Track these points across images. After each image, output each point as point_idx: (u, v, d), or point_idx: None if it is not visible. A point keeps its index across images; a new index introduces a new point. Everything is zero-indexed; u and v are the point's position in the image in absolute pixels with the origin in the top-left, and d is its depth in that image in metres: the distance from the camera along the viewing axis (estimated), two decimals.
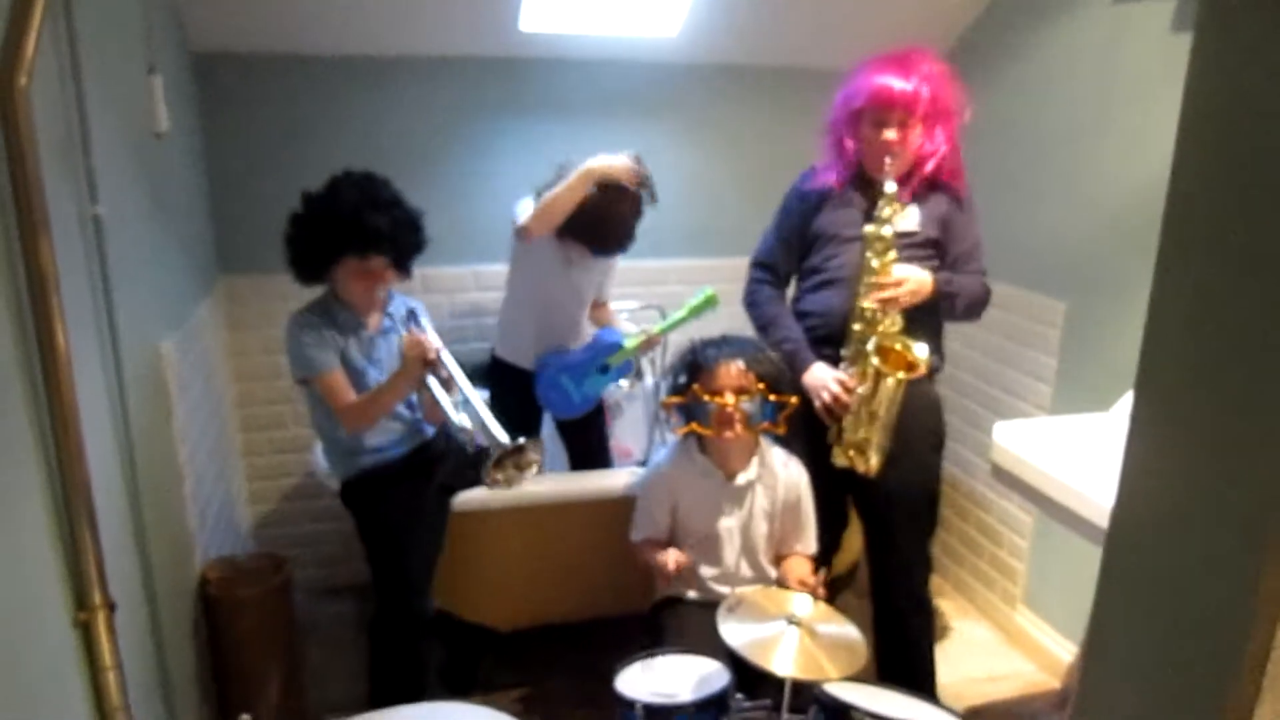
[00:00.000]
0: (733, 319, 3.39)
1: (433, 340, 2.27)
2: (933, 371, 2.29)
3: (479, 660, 2.74)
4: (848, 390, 2.16)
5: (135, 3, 2.04)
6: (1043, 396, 2.82)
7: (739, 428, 2.11)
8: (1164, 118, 2.29)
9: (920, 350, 2.10)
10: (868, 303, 2.14)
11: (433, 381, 2.25)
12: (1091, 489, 1.78)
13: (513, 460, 2.16)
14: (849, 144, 2.24)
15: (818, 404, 2.22)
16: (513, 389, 2.78)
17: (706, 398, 2.11)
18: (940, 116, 2.16)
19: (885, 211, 2.11)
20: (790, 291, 2.46)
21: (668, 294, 3.27)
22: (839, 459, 2.21)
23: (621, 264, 3.12)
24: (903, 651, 2.39)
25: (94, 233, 1.61)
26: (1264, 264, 0.67)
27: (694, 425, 2.15)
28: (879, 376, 2.09)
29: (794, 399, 2.14)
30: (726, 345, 2.17)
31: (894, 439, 2.16)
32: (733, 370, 2.11)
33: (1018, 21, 2.84)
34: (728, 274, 3.39)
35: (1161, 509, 0.80)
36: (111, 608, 1.37)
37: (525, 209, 2.56)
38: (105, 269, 1.65)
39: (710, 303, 2.65)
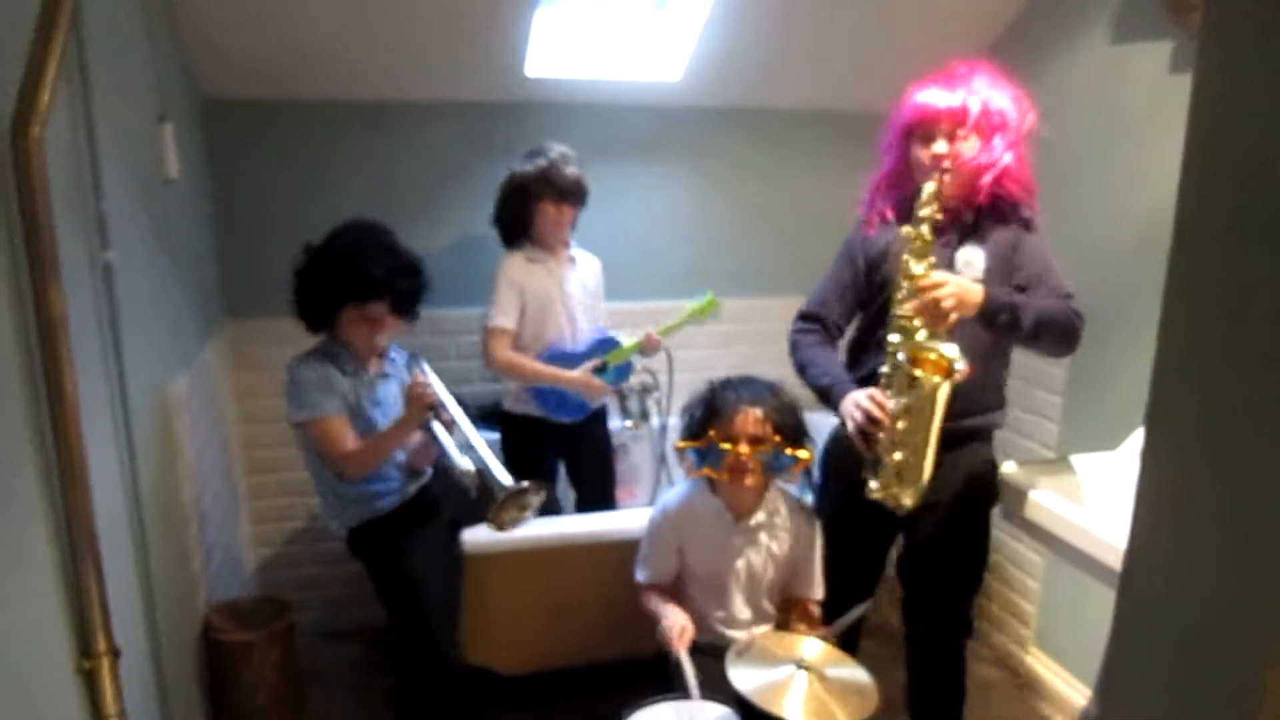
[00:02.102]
0: (734, 358, 3.40)
1: (435, 384, 2.27)
2: (989, 431, 2.16)
3: (484, 705, 2.70)
4: (880, 407, 1.95)
5: (146, 51, 2.08)
6: (1050, 435, 2.81)
7: (751, 478, 2.08)
8: (1164, 157, 2.31)
9: (950, 350, 1.84)
10: (905, 309, 1.93)
11: (436, 425, 2.25)
12: (1101, 528, 1.77)
13: (516, 502, 2.15)
14: (901, 169, 2.12)
15: (851, 427, 2.01)
16: (524, 440, 2.80)
17: (723, 445, 2.07)
18: (997, 128, 2.00)
19: (924, 211, 1.91)
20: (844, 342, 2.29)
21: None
22: (875, 492, 1.99)
23: (625, 305, 3.13)
24: (932, 708, 2.34)
25: (104, 278, 1.63)
26: (1272, 301, 0.67)
27: (707, 470, 2.13)
28: (914, 385, 1.88)
29: (808, 455, 2.09)
30: (746, 389, 2.11)
31: (939, 490, 1.99)
32: (750, 419, 2.06)
33: (1018, 62, 2.86)
34: (732, 314, 3.40)
35: (1175, 549, 0.79)
36: (116, 655, 1.36)
37: (509, 266, 2.69)
38: (114, 313, 1.66)
39: (710, 307, 2.59)
